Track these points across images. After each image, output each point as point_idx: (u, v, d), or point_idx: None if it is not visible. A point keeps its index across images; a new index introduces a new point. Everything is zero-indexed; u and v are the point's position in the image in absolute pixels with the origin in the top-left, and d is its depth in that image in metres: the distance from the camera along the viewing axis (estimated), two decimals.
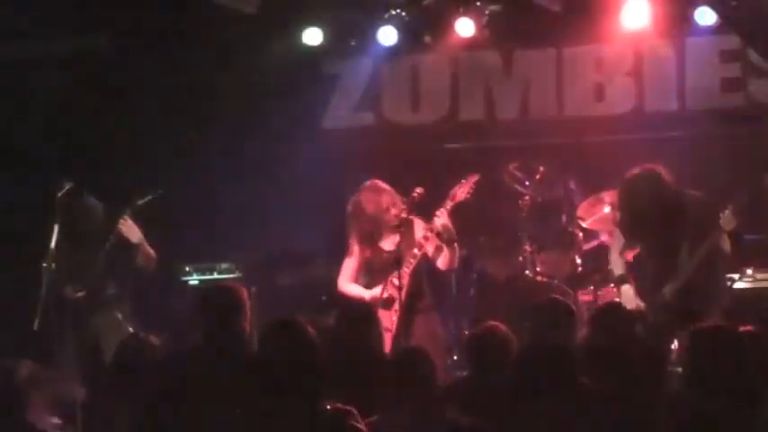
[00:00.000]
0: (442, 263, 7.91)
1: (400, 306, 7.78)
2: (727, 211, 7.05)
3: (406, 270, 7.79)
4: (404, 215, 7.87)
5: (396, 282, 7.77)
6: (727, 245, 7.15)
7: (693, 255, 7.17)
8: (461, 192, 7.83)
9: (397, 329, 7.74)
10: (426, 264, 7.93)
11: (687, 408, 4.98)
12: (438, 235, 7.79)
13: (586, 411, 4.89)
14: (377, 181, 8.09)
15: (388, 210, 7.94)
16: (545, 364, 4.99)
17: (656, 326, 7.14)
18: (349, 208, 8.06)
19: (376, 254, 7.97)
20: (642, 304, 7.31)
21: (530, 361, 5.08)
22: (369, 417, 5.08)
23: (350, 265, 8.08)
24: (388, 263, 7.87)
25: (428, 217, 7.88)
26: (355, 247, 8.05)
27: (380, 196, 7.98)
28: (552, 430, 4.89)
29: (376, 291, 7.87)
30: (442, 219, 7.75)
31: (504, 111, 10.80)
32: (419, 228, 7.92)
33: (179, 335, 8.55)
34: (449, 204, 7.78)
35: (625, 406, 5.04)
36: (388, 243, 7.97)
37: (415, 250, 7.81)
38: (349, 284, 8.05)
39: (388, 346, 7.53)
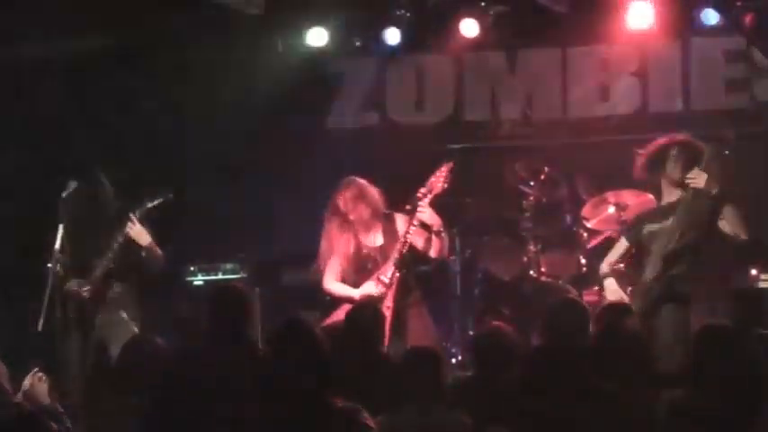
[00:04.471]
0: (432, 251, 7.90)
1: (392, 302, 7.78)
2: (696, 169, 7.20)
3: (392, 265, 7.80)
4: (384, 210, 7.93)
5: (383, 278, 7.78)
6: (731, 227, 7.20)
7: (681, 238, 7.27)
8: (439, 183, 7.80)
9: (390, 325, 7.74)
10: (413, 257, 7.90)
11: (689, 408, 4.97)
12: (425, 227, 7.80)
13: (599, 412, 4.89)
14: (351, 177, 8.10)
15: (355, 205, 7.93)
16: (558, 365, 4.98)
17: (640, 312, 7.16)
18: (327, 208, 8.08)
19: (359, 250, 7.94)
20: (625, 296, 7.37)
21: (542, 361, 5.07)
22: (373, 417, 5.08)
23: (335, 264, 8.04)
24: (372, 259, 7.89)
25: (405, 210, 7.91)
26: (337, 245, 8.02)
27: (348, 191, 7.99)
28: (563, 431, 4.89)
29: (368, 288, 7.82)
30: (426, 212, 7.76)
31: (508, 111, 10.80)
32: (401, 221, 7.93)
33: (183, 335, 8.57)
34: (428, 197, 7.76)
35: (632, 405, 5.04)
36: (371, 239, 7.98)
37: (398, 245, 7.83)
38: (335, 283, 8.02)
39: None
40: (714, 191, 7.24)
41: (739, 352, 5.02)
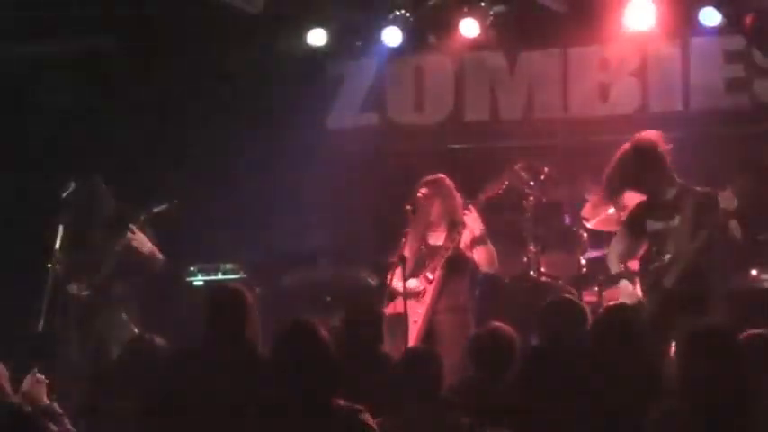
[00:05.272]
0: (480, 262, 7.96)
1: (431, 300, 7.82)
2: (726, 191, 7.08)
3: (437, 265, 7.85)
4: (458, 220, 7.93)
5: (429, 275, 7.84)
6: (736, 232, 7.17)
7: (694, 240, 7.21)
8: (496, 188, 7.88)
9: (424, 325, 7.75)
10: (464, 263, 7.94)
11: (677, 411, 4.96)
12: (468, 231, 7.84)
13: (598, 413, 4.89)
14: (439, 176, 8.11)
15: (420, 205, 7.96)
16: (557, 365, 4.98)
17: (655, 317, 7.15)
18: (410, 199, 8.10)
19: (420, 247, 7.96)
20: (642, 298, 7.34)
21: (542, 361, 5.07)
22: (373, 417, 5.09)
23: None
24: (431, 258, 7.91)
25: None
26: (409, 238, 8.03)
27: (429, 188, 8.03)
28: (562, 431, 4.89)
29: (410, 283, 7.82)
30: (470, 216, 7.79)
31: (508, 111, 10.79)
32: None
33: (184, 335, 8.57)
34: (481, 199, 7.85)
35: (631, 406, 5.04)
36: (434, 238, 8.00)
37: (447, 243, 7.88)
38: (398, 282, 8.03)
39: (413, 340, 7.57)
40: (718, 196, 7.17)
41: (725, 353, 4.99)
